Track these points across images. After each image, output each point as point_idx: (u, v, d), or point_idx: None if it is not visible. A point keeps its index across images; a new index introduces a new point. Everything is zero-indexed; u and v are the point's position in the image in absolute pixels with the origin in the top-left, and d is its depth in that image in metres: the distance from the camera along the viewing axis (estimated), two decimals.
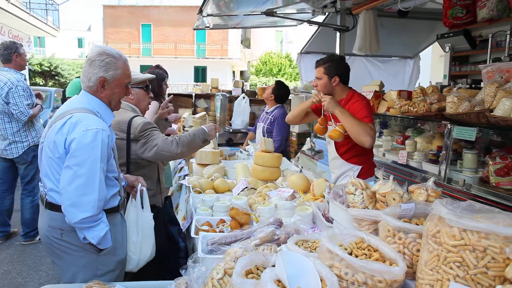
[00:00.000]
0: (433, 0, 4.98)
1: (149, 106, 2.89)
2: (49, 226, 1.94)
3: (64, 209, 1.81)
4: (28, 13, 14.62)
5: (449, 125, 3.13)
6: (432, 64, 9.77)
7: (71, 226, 1.85)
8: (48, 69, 22.47)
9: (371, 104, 4.16)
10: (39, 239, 3.91)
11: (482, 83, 3.41)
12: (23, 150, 4.26)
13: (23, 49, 4.40)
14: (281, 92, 4.63)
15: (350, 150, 2.96)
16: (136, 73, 2.74)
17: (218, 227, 2.20)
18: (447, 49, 4.61)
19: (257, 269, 1.42)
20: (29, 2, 15.44)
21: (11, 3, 12.65)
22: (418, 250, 1.31)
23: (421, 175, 3.45)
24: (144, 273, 2.32)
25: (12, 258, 4.13)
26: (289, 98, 6.87)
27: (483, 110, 2.70)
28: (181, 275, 1.70)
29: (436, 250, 1.16)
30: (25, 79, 4.35)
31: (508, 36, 3.64)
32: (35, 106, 4.37)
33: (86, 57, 2.05)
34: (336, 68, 2.88)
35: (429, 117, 3.34)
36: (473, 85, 3.71)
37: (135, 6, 32.12)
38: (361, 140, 2.65)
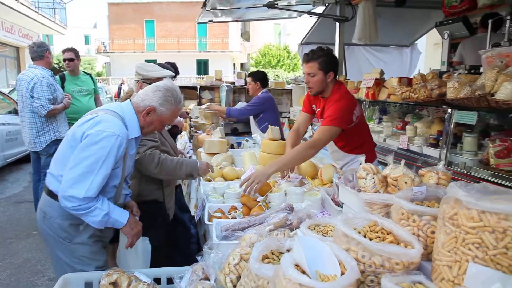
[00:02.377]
0: None
1: None
2: (40, 207, 1.97)
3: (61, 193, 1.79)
4: (37, 12, 14.49)
5: (450, 110, 3.07)
6: (426, 52, 9.64)
7: (52, 212, 1.88)
8: (57, 66, 22.34)
9: (372, 92, 4.09)
10: None
11: (481, 69, 3.32)
12: (46, 144, 4.33)
13: (51, 48, 4.50)
14: (258, 74, 4.66)
15: (348, 144, 2.82)
16: (151, 69, 2.65)
17: (230, 214, 2.16)
18: (445, 36, 4.51)
19: (272, 254, 1.39)
20: (38, 2, 15.28)
21: (20, 3, 12.51)
22: (433, 232, 1.26)
23: (422, 159, 3.40)
24: (156, 259, 2.28)
25: (31, 246, 4.12)
26: (290, 88, 6.83)
27: (484, 95, 2.63)
28: (194, 259, 1.67)
29: (454, 232, 1.11)
30: (51, 76, 4.40)
31: (508, 21, 3.53)
32: (60, 104, 4.44)
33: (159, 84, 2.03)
34: (331, 62, 2.59)
35: (430, 102, 3.27)
36: (471, 71, 3.61)
37: (138, 3, 31.81)
38: (309, 157, 2.55)
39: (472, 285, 1.04)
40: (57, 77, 4.94)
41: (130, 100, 2.00)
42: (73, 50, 5.08)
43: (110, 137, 1.78)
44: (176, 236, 2.87)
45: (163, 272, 1.76)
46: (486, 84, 2.71)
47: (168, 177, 2.50)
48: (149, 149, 2.36)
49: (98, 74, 33.17)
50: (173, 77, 4.10)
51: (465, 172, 2.93)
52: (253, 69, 29.13)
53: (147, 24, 31.72)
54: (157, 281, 1.76)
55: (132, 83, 2.74)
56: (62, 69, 22.53)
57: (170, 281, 1.73)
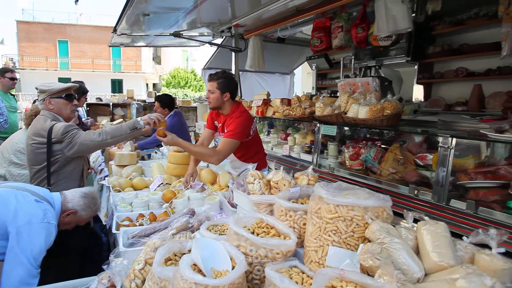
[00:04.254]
0: (301, 31, 5.31)
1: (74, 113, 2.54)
2: None
3: None
4: None
5: (318, 124, 3.32)
6: (302, 79, 10.48)
7: None
8: None
9: (261, 110, 4.24)
10: None
11: (338, 93, 3.70)
12: None
13: None
14: (166, 100, 4.36)
15: (245, 154, 2.86)
16: (53, 84, 2.34)
17: (138, 221, 1.98)
18: (313, 67, 4.96)
19: (175, 256, 1.30)
20: None
21: None
22: (304, 224, 1.33)
23: (300, 163, 3.61)
24: (67, 270, 1.98)
25: None
26: (196, 105, 6.72)
27: (340, 113, 2.92)
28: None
29: (318, 223, 1.18)
30: None
31: (352, 59, 4.03)
32: None
33: (89, 191, 1.96)
34: (228, 85, 2.60)
35: (304, 118, 3.48)
36: (332, 94, 4.02)
37: (50, 23, 27.78)
38: (208, 162, 2.53)
39: (331, 263, 1.12)
40: None
41: (61, 193, 1.90)
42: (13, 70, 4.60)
43: (53, 229, 1.73)
44: (88, 245, 2.54)
45: (68, 285, 1.52)
46: (341, 105, 3.01)
47: (115, 139, 2.28)
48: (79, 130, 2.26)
49: None
50: (84, 94, 3.68)
51: (330, 172, 3.19)
52: (165, 89, 27.92)
53: (61, 44, 27.87)
54: None
55: (39, 103, 2.37)
56: None
57: None
